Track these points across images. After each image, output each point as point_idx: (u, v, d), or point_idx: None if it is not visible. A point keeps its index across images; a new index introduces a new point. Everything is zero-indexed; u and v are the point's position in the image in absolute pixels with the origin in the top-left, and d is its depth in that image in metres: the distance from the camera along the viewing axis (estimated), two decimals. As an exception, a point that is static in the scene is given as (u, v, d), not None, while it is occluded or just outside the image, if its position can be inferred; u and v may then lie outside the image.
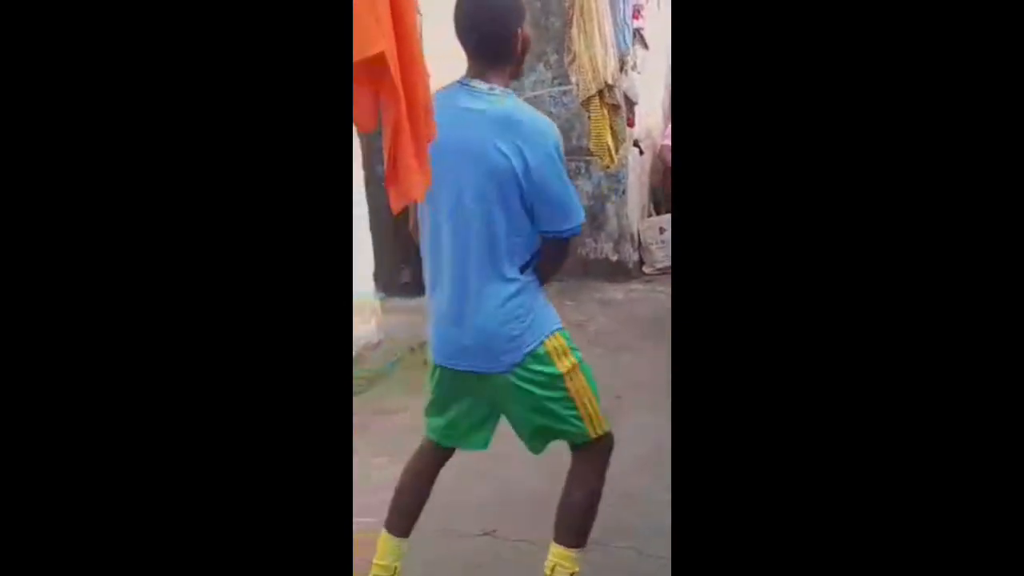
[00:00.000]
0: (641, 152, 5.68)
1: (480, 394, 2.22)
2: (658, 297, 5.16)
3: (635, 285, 5.55)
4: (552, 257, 2.17)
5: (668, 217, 5.66)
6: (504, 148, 1.99)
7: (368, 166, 4.65)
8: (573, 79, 4.11)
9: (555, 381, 2.13)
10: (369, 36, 1.28)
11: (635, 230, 5.70)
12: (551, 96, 5.38)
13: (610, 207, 5.60)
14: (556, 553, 2.24)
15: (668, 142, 6.00)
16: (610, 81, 4.02)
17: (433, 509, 2.43)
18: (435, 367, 2.26)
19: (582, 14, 3.97)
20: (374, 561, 2.34)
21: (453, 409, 2.27)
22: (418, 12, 4.56)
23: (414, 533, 2.38)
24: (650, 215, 6.01)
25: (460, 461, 2.44)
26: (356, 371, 4.25)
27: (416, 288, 5.34)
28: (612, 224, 5.62)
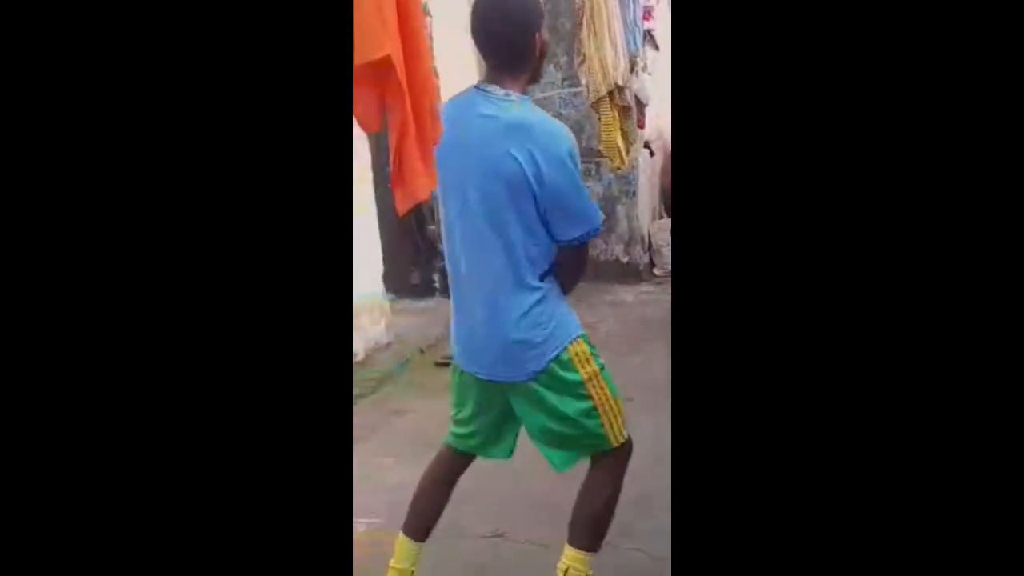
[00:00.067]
0: (652, 154, 5.68)
1: (503, 403, 2.19)
2: (668, 299, 5.14)
3: (645, 287, 5.55)
4: (569, 265, 2.13)
5: (679, 219, 5.63)
6: (516, 153, 1.96)
7: (377, 167, 4.66)
8: (583, 81, 4.12)
9: (577, 388, 2.10)
10: (375, 38, 1.28)
11: (645, 232, 5.70)
12: (561, 98, 5.39)
13: (621, 209, 5.60)
14: (570, 556, 2.22)
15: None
16: (620, 82, 4.02)
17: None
18: (458, 369, 2.25)
19: (592, 15, 3.97)
20: (391, 564, 2.34)
21: (477, 417, 2.25)
22: (428, 14, 4.55)
23: (421, 535, 2.38)
24: (661, 217, 6.00)
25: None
26: (365, 372, 4.26)
27: (425, 290, 5.40)
28: (623, 226, 5.63)
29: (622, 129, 4.12)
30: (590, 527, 2.22)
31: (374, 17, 1.27)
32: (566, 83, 5.28)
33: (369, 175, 4.49)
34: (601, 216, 2.11)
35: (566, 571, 2.21)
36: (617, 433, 2.16)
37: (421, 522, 2.35)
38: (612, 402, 2.15)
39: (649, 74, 4.71)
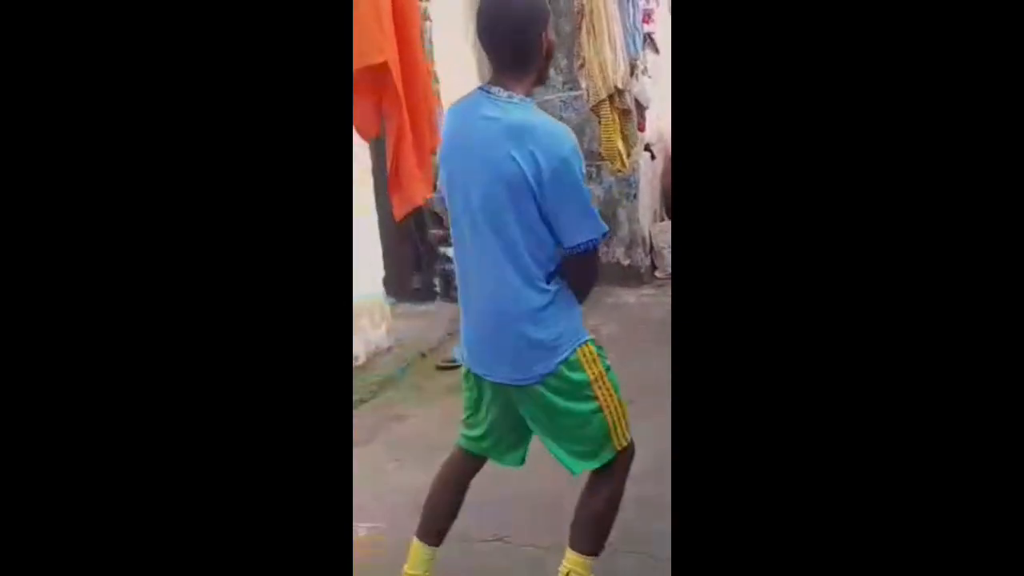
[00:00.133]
0: (653, 156, 5.67)
1: (511, 407, 2.18)
2: (670, 302, 5.13)
3: (647, 289, 5.54)
4: (578, 274, 2.11)
5: (680, 221, 5.63)
6: (517, 155, 1.95)
7: (378, 171, 4.66)
8: (583, 84, 4.11)
9: (583, 389, 2.10)
10: (374, 44, 1.29)
11: (647, 234, 5.69)
12: (562, 101, 5.38)
13: (622, 212, 5.59)
14: (571, 560, 2.22)
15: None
16: (620, 86, 4.02)
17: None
18: (468, 372, 2.24)
19: (591, 19, 3.98)
20: (405, 570, 2.33)
21: (487, 420, 2.24)
22: (428, 19, 4.54)
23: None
24: (662, 219, 5.99)
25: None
26: (366, 377, 4.26)
27: (426, 294, 5.39)
28: (624, 229, 5.61)
29: (622, 132, 4.12)
30: (591, 530, 2.22)
31: (372, 24, 1.27)
32: (566, 86, 5.27)
33: (370, 179, 4.49)
34: (604, 227, 2.07)
35: (567, 575, 2.21)
36: (621, 436, 2.15)
37: (434, 525, 2.34)
38: (617, 404, 2.14)
39: (649, 77, 4.71)
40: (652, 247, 5.70)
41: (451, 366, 4.33)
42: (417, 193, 1.46)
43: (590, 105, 4.14)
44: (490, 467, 2.37)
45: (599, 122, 4.14)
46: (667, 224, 5.80)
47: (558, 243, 2.04)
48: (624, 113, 4.13)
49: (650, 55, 4.90)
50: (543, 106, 4.64)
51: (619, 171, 4.33)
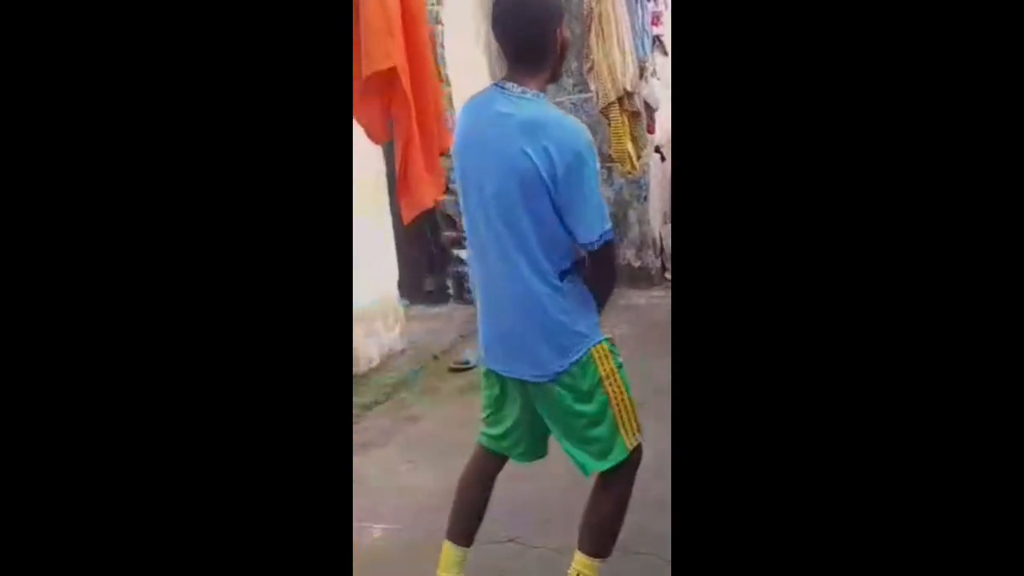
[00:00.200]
0: (663, 158, 5.67)
1: (528, 403, 2.19)
2: (681, 303, 5.12)
3: (657, 291, 5.53)
4: (596, 273, 2.10)
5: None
6: (530, 151, 1.94)
7: (392, 175, 4.68)
8: (592, 86, 4.12)
9: (595, 387, 2.09)
10: (383, 49, 1.30)
11: (657, 236, 5.69)
12: (572, 103, 5.38)
13: (632, 213, 5.60)
14: (580, 562, 2.22)
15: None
16: (629, 88, 4.02)
17: (456, 515, 2.44)
18: (488, 370, 2.24)
19: (600, 21, 3.98)
20: (438, 573, 2.33)
21: (509, 417, 2.24)
22: (440, 22, 4.56)
23: (435, 539, 2.39)
24: (673, 221, 5.99)
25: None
26: (380, 379, 4.28)
27: (440, 296, 5.40)
28: (634, 231, 5.61)
29: (632, 134, 4.12)
30: (599, 533, 2.21)
31: (382, 29, 1.28)
32: (576, 89, 5.28)
33: (384, 182, 4.51)
34: (604, 226, 2.04)
35: (576, 576, 2.21)
36: (631, 436, 2.15)
37: (462, 525, 2.34)
38: (627, 402, 2.14)
39: (658, 79, 4.70)
40: (663, 249, 5.70)
41: (464, 368, 4.35)
42: (426, 196, 1.48)
43: (599, 107, 4.14)
44: (503, 469, 2.38)
45: (608, 124, 4.15)
46: (678, 225, 5.78)
47: (573, 239, 2.03)
48: (634, 115, 4.13)
49: (659, 57, 4.89)
50: (553, 109, 4.63)
51: (629, 173, 4.33)
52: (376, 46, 1.28)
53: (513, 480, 2.44)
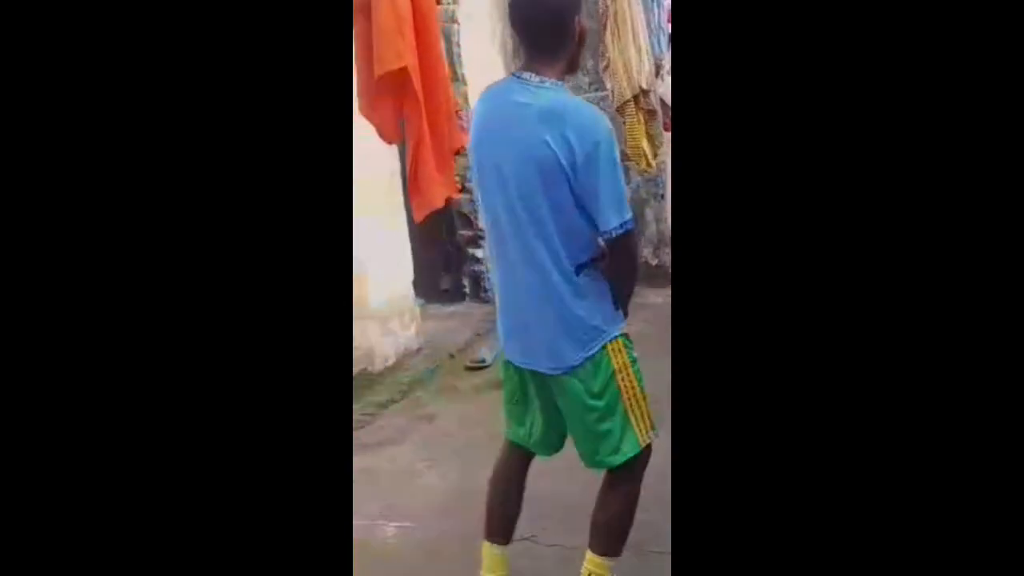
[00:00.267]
0: (679, 156, 5.65)
1: (545, 395, 2.18)
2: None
3: (674, 289, 5.51)
4: (616, 264, 2.07)
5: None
6: (550, 139, 1.91)
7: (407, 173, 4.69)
8: (608, 84, 4.11)
9: (608, 381, 2.08)
10: (394, 50, 1.31)
11: (674, 234, 5.68)
12: (587, 101, 5.38)
13: (649, 212, 5.58)
14: (591, 561, 2.22)
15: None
16: (645, 86, 4.01)
17: (472, 514, 2.44)
18: (507, 362, 2.23)
19: (616, 19, 3.98)
20: (481, 574, 2.33)
21: (532, 410, 2.24)
22: (455, 21, 4.56)
23: (450, 538, 2.39)
24: (689, 219, 5.97)
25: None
26: (396, 377, 4.29)
27: (455, 294, 5.41)
28: (651, 228, 5.60)
29: (648, 132, 4.11)
30: (608, 532, 2.20)
31: (393, 30, 1.29)
32: (592, 87, 5.27)
33: (398, 181, 4.52)
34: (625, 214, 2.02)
35: (588, 576, 2.20)
36: (643, 432, 2.13)
37: (498, 524, 2.33)
38: (640, 397, 2.12)
39: (675, 76, 4.69)
40: (680, 247, 5.69)
41: (479, 366, 4.35)
42: (437, 195, 1.48)
43: (615, 106, 4.14)
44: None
45: (624, 122, 4.14)
46: (695, 223, 5.77)
47: (594, 228, 2.00)
48: (649, 113, 4.12)
49: (676, 55, 4.88)
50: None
51: (645, 171, 4.32)
52: (387, 46, 1.29)
53: (529, 478, 2.44)
